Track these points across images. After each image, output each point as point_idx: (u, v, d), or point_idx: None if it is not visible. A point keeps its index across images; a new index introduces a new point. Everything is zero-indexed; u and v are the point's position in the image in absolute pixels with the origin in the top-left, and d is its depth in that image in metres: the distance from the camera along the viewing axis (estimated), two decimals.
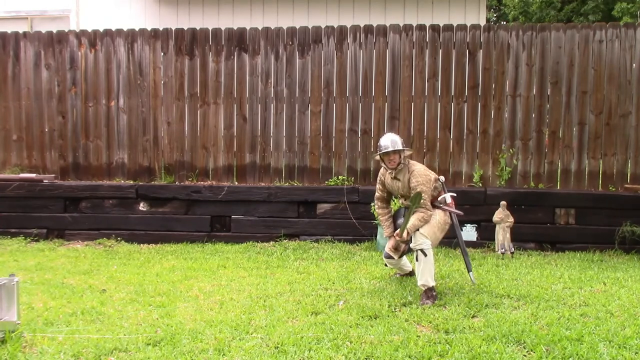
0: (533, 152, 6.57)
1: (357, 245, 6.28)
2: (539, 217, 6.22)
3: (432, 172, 4.53)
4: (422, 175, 4.39)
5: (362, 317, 3.84)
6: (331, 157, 6.81)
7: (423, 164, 6.64)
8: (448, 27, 6.66)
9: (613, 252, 6.02)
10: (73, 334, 3.54)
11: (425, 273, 4.19)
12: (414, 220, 4.29)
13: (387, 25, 6.78)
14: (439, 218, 4.42)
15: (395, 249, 4.51)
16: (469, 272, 4.42)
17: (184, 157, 7.00)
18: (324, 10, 8.71)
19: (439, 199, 4.46)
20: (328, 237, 6.41)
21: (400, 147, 4.41)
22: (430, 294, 4.20)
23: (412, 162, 4.50)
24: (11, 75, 7.19)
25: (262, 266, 5.39)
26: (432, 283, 4.21)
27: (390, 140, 4.45)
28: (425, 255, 4.21)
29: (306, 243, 6.29)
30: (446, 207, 4.44)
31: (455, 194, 4.52)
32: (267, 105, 6.89)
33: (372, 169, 6.73)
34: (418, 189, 4.31)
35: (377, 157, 4.55)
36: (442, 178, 4.51)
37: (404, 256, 4.70)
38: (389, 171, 4.50)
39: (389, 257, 4.55)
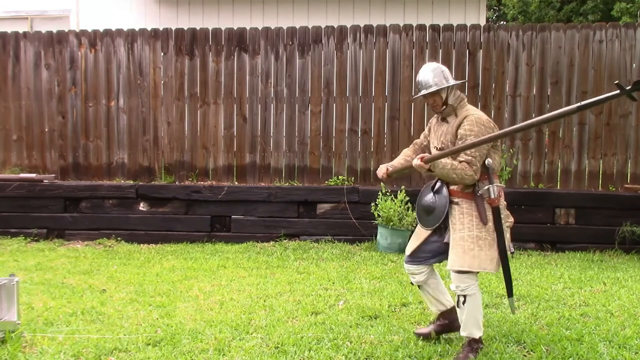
0: (533, 152, 6.57)
1: (357, 245, 6.28)
2: (539, 217, 6.22)
3: (495, 126, 3.21)
4: (480, 123, 3.14)
5: (362, 317, 3.85)
6: (331, 157, 6.81)
7: None
8: (448, 27, 6.65)
9: (613, 252, 6.02)
10: (73, 334, 3.54)
11: (470, 322, 3.19)
12: (450, 163, 3.12)
13: (387, 25, 6.77)
14: (480, 230, 3.15)
15: (383, 178, 3.50)
16: (509, 297, 3.34)
17: (184, 157, 6.99)
18: (324, 10, 8.71)
19: (481, 190, 3.16)
20: (328, 237, 6.41)
21: (440, 85, 3.23)
22: (474, 346, 3.21)
23: (470, 106, 3.31)
24: (11, 75, 7.18)
25: (262, 266, 5.39)
26: (478, 334, 3.21)
27: (424, 77, 3.29)
28: (468, 298, 3.16)
29: (306, 243, 6.29)
30: (489, 203, 3.15)
31: (503, 185, 3.36)
32: (267, 105, 6.89)
33: (372, 169, 6.73)
34: (468, 141, 3.08)
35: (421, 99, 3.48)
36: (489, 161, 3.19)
37: (434, 276, 3.46)
38: (436, 115, 3.46)
39: (412, 262, 3.41)
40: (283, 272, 5.16)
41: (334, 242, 6.34)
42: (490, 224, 3.17)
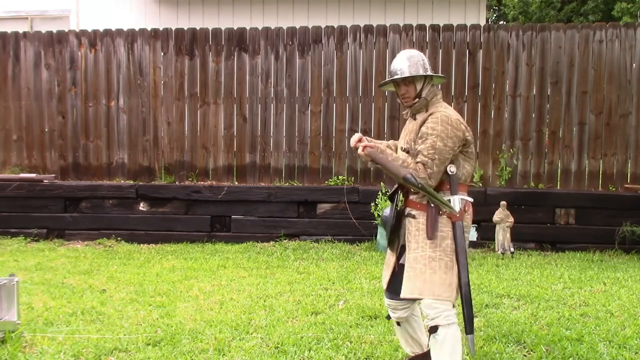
0: (533, 152, 6.56)
1: (357, 245, 6.28)
2: (539, 217, 6.22)
3: (467, 130, 2.73)
4: (446, 122, 2.65)
5: (362, 317, 3.84)
6: (331, 157, 6.81)
7: None
8: (448, 27, 6.65)
9: (613, 252, 6.02)
10: (73, 334, 3.54)
11: None
12: (402, 160, 2.69)
13: (387, 25, 6.78)
14: (434, 250, 2.66)
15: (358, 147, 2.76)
16: (467, 334, 2.72)
17: (184, 157, 6.99)
18: (324, 10, 8.71)
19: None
20: (328, 237, 6.41)
21: (420, 72, 2.76)
22: None
23: (444, 103, 2.85)
24: (11, 75, 7.18)
25: (262, 266, 5.39)
26: None
27: (403, 61, 2.79)
28: (441, 329, 2.63)
29: (306, 243, 6.29)
30: (449, 217, 2.67)
31: (471, 200, 2.80)
32: (267, 105, 6.89)
33: (372, 169, 6.73)
34: (428, 142, 2.64)
35: (391, 89, 2.95)
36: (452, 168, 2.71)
37: (414, 315, 2.98)
38: (405, 110, 2.91)
39: (391, 297, 2.89)
40: (283, 272, 5.16)
41: (334, 242, 6.33)
42: (449, 242, 2.66)
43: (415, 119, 2.84)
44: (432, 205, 2.68)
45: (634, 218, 6.01)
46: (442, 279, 2.63)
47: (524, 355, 3.25)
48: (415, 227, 2.73)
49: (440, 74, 2.91)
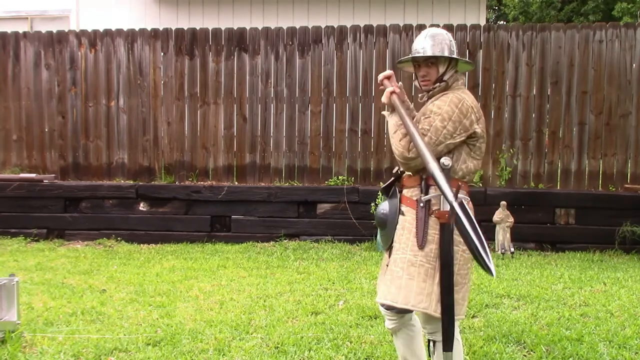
0: (533, 152, 6.56)
1: (357, 245, 6.28)
2: (539, 217, 6.22)
3: (478, 121, 2.44)
4: (455, 104, 2.40)
5: (362, 317, 3.84)
6: (331, 157, 6.81)
7: None
8: (448, 27, 6.65)
9: (613, 252, 6.02)
10: (73, 334, 3.54)
11: None
12: (399, 124, 2.45)
13: (387, 25, 6.78)
14: (415, 254, 2.37)
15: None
16: (444, 351, 2.41)
17: (184, 157, 6.99)
18: (324, 10, 8.71)
19: (423, 197, 2.38)
20: (328, 237, 6.41)
21: (445, 53, 2.50)
22: None
23: (466, 89, 2.59)
24: (11, 75, 7.18)
25: (262, 266, 5.39)
26: None
27: (427, 39, 2.51)
28: (438, 345, 2.45)
29: (306, 243, 6.29)
30: (437, 217, 2.36)
31: (468, 199, 2.46)
32: (267, 105, 6.89)
33: (372, 169, 6.72)
34: (428, 119, 2.40)
35: (409, 68, 2.67)
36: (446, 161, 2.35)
37: (412, 326, 2.59)
38: (422, 94, 2.61)
39: (386, 307, 2.50)
40: (283, 272, 5.16)
41: (334, 242, 6.33)
42: (433, 246, 2.34)
43: (428, 102, 2.56)
44: (421, 204, 2.37)
45: (634, 218, 6.01)
46: (420, 287, 2.32)
47: (524, 355, 3.25)
48: (401, 225, 2.46)
49: (467, 60, 2.62)
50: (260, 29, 6.91)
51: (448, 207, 2.28)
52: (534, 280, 4.84)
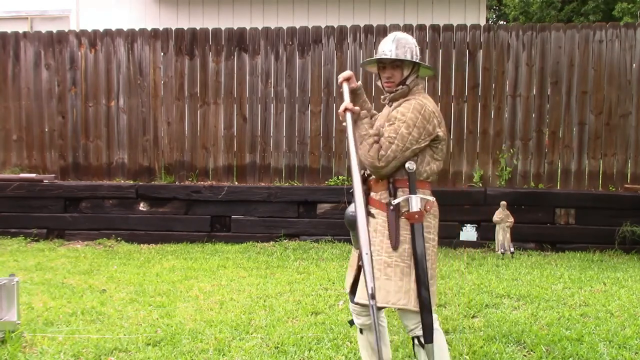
0: (533, 152, 6.56)
1: None
2: (539, 217, 6.22)
3: (440, 125, 2.58)
4: (418, 110, 2.51)
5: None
6: (331, 157, 6.81)
7: None
8: (448, 27, 6.65)
9: (613, 252, 6.02)
10: (73, 334, 3.54)
11: None
12: (365, 134, 2.57)
13: (387, 26, 6.78)
14: (390, 255, 2.50)
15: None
16: (425, 343, 2.48)
17: (184, 157, 6.99)
18: (324, 10, 8.71)
19: (395, 201, 2.51)
20: (328, 237, 6.41)
21: (409, 58, 2.60)
22: None
23: (425, 94, 2.69)
24: (11, 75, 7.18)
25: (262, 266, 5.39)
26: None
27: (393, 42, 2.61)
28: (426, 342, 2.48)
29: (306, 243, 6.29)
30: (407, 218, 2.49)
31: (433, 198, 2.59)
32: (267, 105, 6.89)
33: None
34: (393, 126, 2.50)
35: (372, 69, 2.77)
36: (410, 165, 2.52)
37: (380, 323, 2.75)
38: (384, 95, 2.74)
39: (357, 303, 2.63)
40: (283, 272, 5.16)
41: (334, 242, 6.33)
42: (406, 246, 2.48)
43: (391, 106, 2.68)
44: (391, 207, 2.50)
45: (634, 218, 6.01)
46: (398, 286, 2.47)
47: (524, 355, 3.25)
48: (373, 227, 2.55)
49: (429, 65, 2.79)
50: (260, 29, 6.91)
51: (417, 209, 2.48)
52: (534, 280, 4.84)
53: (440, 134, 2.56)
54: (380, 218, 2.55)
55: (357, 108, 2.60)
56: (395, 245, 2.48)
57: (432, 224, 2.58)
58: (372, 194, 2.63)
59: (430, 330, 2.45)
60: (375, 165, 2.49)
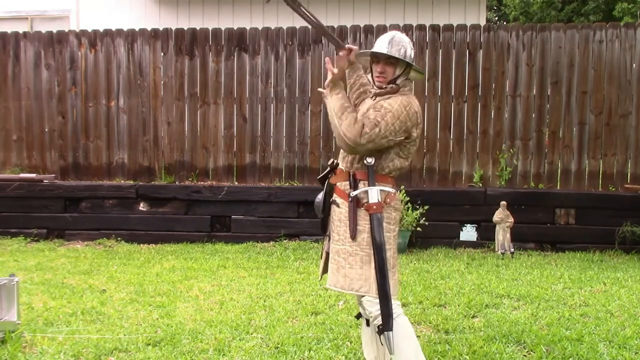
0: (533, 152, 6.56)
1: None
2: (539, 217, 6.22)
3: (417, 127, 2.66)
4: (404, 107, 2.59)
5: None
6: (331, 157, 6.77)
7: (422, 164, 6.67)
8: (448, 27, 6.65)
9: (613, 252, 6.02)
10: (73, 334, 3.54)
11: None
12: (345, 105, 2.63)
13: (387, 26, 6.78)
14: (351, 244, 2.61)
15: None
16: (385, 330, 2.54)
17: (184, 157, 7.00)
18: (323, 10, 8.70)
19: (353, 193, 2.61)
20: None
21: (406, 58, 2.67)
22: None
23: (411, 94, 2.75)
24: (11, 75, 7.18)
25: (262, 266, 5.39)
26: None
27: (391, 40, 2.68)
28: (388, 329, 2.52)
29: (306, 243, 6.29)
30: (366, 209, 2.59)
31: (393, 190, 2.68)
32: (267, 105, 6.89)
33: None
34: (380, 112, 2.56)
35: (365, 62, 2.87)
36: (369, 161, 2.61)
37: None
38: (372, 88, 2.79)
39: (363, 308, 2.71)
40: (283, 272, 5.16)
41: None
42: (365, 235, 2.58)
43: (374, 99, 2.71)
44: (350, 198, 2.61)
45: (634, 218, 6.01)
46: (359, 274, 2.58)
47: (524, 355, 3.25)
48: (337, 217, 2.68)
49: (420, 69, 2.87)
50: (260, 29, 6.91)
51: (375, 200, 2.58)
52: (534, 280, 4.84)
53: (414, 134, 2.66)
54: (344, 208, 2.66)
55: (355, 47, 2.74)
56: (352, 235, 2.59)
57: (392, 215, 2.67)
58: (337, 183, 2.73)
59: (388, 318, 2.51)
60: (357, 141, 2.52)
